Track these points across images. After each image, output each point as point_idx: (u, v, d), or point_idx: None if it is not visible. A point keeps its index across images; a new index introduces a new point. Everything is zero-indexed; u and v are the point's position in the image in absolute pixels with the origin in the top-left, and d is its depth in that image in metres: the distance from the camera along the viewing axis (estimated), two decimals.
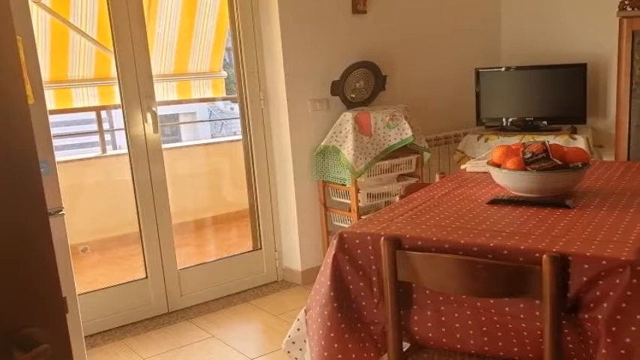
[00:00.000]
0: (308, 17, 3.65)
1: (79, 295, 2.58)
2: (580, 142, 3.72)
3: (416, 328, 1.81)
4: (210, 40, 4.54)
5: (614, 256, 1.49)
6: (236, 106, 3.89)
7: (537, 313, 1.59)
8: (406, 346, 1.86)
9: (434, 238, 1.73)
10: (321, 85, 3.76)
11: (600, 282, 1.50)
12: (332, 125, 3.73)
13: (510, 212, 1.95)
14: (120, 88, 3.29)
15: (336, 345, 1.81)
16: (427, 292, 1.76)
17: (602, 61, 4.12)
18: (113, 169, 4.54)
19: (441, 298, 1.75)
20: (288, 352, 1.98)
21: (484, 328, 1.70)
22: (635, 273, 1.45)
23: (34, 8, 3.63)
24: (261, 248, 3.91)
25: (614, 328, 1.47)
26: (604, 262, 1.49)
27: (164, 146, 3.48)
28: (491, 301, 1.66)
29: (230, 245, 4.75)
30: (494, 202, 2.08)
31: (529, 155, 2.05)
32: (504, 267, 1.58)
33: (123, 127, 3.35)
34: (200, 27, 4.46)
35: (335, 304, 1.82)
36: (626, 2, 3.51)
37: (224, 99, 5.38)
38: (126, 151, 3.38)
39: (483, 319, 1.69)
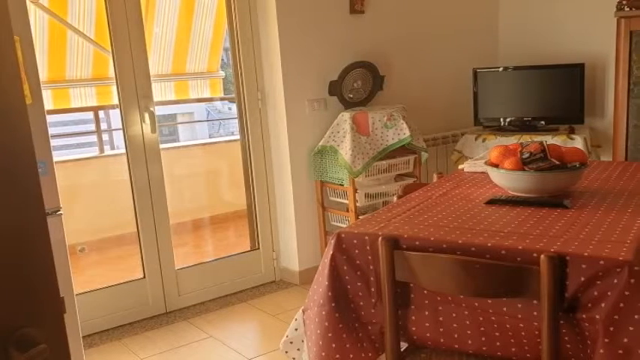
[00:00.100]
0: (305, 17, 3.65)
1: (76, 295, 2.58)
2: (578, 142, 3.72)
3: (414, 328, 1.81)
4: (207, 40, 4.54)
5: (611, 256, 1.49)
6: (234, 106, 3.89)
7: (535, 313, 1.59)
8: (404, 346, 1.86)
9: (432, 238, 1.73)
10: (319, 85, 3.75)
11: (598, 282, 1.50)
12: (330, 125, 3.72)
13: (508, 212, 1.95)
14: (117, 88, 3.29)
15: (333, 345, 1.81)
16: (425, 292, 1.76)
17: (599, 61, 4.12)
18: (111, 169, 4.54)
19: (438, 298, 1.75)
20: (286, 352, 1.98)
21: (482, 328, 1.70)
22: (632, 273, 1.45)
23: (31, 8, 3.62)
24: (258, 248, 3.91)
25: (611, 328, 1.47)
26: (602, 262, 1.49)
27: (162, 146, 3.48)
28: (489, 301, 1.66)
29: (228, 245, 4.75)
30: (491, 202, 2.08)
31: (527, 155, 2.05)
32: (502, 267, 1.58)
33: (120, 127, 3.34)
34: (198, 27, 4.46)
35: (333, 304, 1.82)
36: (624, 2, 3.51)
37: (222, 99, 5.37)
38: (124, 151, 3.38)
39: (481, 319, 1.69)
